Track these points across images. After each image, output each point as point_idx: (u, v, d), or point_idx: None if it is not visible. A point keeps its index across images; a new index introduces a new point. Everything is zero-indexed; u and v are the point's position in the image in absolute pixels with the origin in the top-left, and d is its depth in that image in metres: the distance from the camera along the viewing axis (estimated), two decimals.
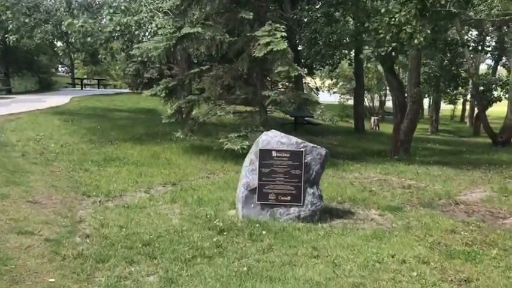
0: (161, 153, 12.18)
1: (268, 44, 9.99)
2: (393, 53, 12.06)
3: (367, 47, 15.89)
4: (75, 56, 20.10)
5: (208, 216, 6.78)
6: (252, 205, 6.76)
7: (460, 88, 29.37)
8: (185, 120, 12.20)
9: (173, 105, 11.60)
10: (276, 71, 10.34)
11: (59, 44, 18.75)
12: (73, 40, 14.34)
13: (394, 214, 7.42)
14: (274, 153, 6.72)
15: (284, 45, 9.92)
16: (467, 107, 45.29)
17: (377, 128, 31.16)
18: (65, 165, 10.15)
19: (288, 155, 6.71)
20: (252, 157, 6.85)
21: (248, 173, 6.80)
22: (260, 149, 6.76)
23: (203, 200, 7.65)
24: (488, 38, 32.05)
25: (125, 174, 9.62)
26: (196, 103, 11.40)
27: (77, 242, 5.71)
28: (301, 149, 6.76)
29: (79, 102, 23.86)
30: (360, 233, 6.36)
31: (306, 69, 21.05)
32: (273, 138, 6.83)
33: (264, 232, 6.17)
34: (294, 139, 6.87)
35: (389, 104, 56.77)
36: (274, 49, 9.77)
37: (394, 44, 11.64)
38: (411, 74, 14.25)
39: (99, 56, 17.96)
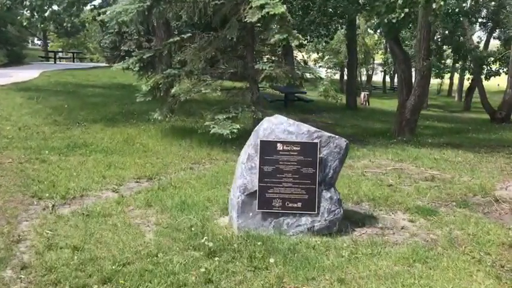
0: (136, 137, 10.44)
1: (262, 6, 8.23)
2: (404, 21, 10.36)
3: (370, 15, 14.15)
4: (43, 26, 17.88)
5: (193, 228, 5.15)
6: (251, 214, 5.14)
7: (460, 61, 27.82)
8: (164, 99, 10.45)
9: (149, 81, 9.82)
10: (271, 40, 8.58)
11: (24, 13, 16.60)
12: (28, 3, 12.30)
13: (428, 219, 5.90)
14: (279, 146, 5.08)
15: (282, 8, 8.18)
16: (455, 81, 44.21)
17: (367, 104, 29.79)
18: (17, 155, 8.37)
19: (298, 148, 5.07)
20: (250, 151, 5.19)
21: (245, 172, 5.16)
22: (261, 141, 5.10)
23: (186, 203, 6.00)
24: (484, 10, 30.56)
25: (91, 166, 7.90)
26: (176, 78, 9.64)
27: (5, 279, 4.03)
28: (315, 140, 5.12)
29: (49, 77, 21.80)
30: (395, 252, 4.82)
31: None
32: (277, 126, 5.17)
33: (268, 254, 4.58)
34: (304, 127, 5.22)
35: (376, 78, 55.63)
36: (271, 12, 8.02)
37: (406, 10, 9.96)
38: (420, 45, 12.63)
39: (64, 25, 15.81)
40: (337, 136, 5.25)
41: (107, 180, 7.18)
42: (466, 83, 35.38)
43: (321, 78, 9.76)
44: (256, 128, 5.28)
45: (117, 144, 9.72)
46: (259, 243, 4.78)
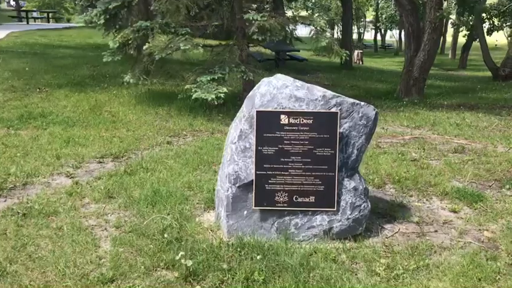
0: (105, 104, 8.87)
1: None
2: None
3: None
4: None
5: (166, 235, 3.73)
6: (245, 212, 3.72)
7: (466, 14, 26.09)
8: (137, 58, 8.83)
9: (117, 36, 8.18)
10: None
11: None
12: None
13: (473, 207, 4.56)
14: (284, 119, 3.61)
15: None
16: (448, 38, 42.58)
17: (361, 63, 28.31)
18: None
19: (310, 120, 3.61)
20: (242, 126, 3.71)
21: (237, 156, 3.70)
22: (258, 112, 3.62)
23: (159, 194, 4.55)
24: None
25: (45, 143, 6.38)
26: (149, 33, 8.00)
27: None
28: (334, 109, 3.66)
29: (17, 38, 19.81)
30: (446, 263, 3.46)
31: None
32: (280, 91, 3.68)
33: (273, 274, 3.20)
34: (318, 90, 3.74)
35: (367, 36, 53.76)
36: None
37: None
38: None
39: None
40: (362, 103, 3.78)
41: (61, 161, 5.68)
42: (461, 40, 33.84)
43: (323, 30, 8.18)
44: (250, 94, 3.79)
45: (82, 113, 8.16)
46: (258, 256, 3.38)
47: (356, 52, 29.41)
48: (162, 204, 4.34)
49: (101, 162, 5.75)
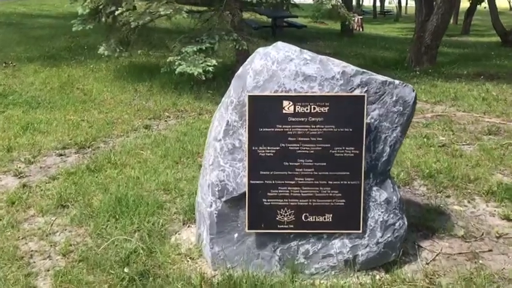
0: (78, 80, 7.75)
1: None
2: None
3: None
4: None
5: (127, 268, 2.70)
6: (236, 236, 2.69)
7: None
8: (111, 27, 7.64)
9: (86, 1, 6.97)
10: None
11: None
12: None
13: None
14: (288, 106, 2.54)
15: None
16: None
17: (361, 29, 26.98)
18: None
19: (325, 108, 2.54)
20: (229, 116, 2.63)
21: (222, 158, 2.63)
22: (251, 97, 2.54)
23: (126, 200, 3.51)
24: None
25: None
26: None
27: None
28: (357, 91, 2.58)
29: None
30: None
31: None
32: (282, 66, 2.58)
33: None
34: (335, 65, 2.65)
35: (365, 2, 51.93)
36: None
37: None
38: None
39: None
40: (396, 81, 2.70)
41: (12, 155, 4.63)
42: (463, 5, 32.36)
43: None
44: (240, 71, 2.69)
45: (49, 91, 7.05)
46: None
47: (356, 18, 27.99)
48: (128, 217, 3.31)
49: (61, 155, 4.69)
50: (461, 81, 8.70)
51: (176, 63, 6.58)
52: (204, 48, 6.69)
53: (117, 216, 3.33)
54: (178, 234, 3.19)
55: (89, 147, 4.90)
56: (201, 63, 6.46)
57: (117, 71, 8.40)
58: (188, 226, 3.28)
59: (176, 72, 6.58)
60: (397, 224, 2.73)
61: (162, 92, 7.04)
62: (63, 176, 4.07)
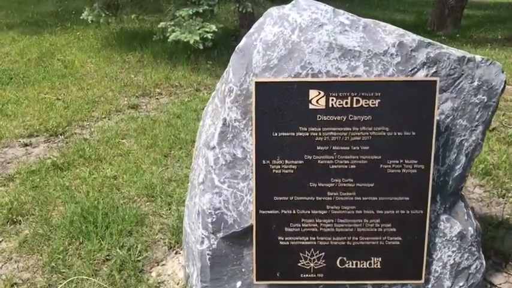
0: (60, 50, 6.82)
1: None
2: None
3: None
4: None
5: None
6: (239, 285, 1.84)
7: None
8: None
9: None
10: None
11: None
12: None
13: None
14: (317, 98, 1.63)
15: None
16: None
17: None
18: None
19: (376, 101, 1.63)
20: (226, 112, 1.74)
21: (217, 175, 1.76)
22: (260, 84, 1.63)
23: (95, 212, 2.66)
24: None
25: None
26: None
27: None
28: (425, 73, 1.67)
29: None
30: None
31: None
32: (307, 35, 1.67)
33: None
34: (385, 31, 1.73)
35: None
36: None
37: None
38: None
39: None
40: (478, 57, 1.78)
41: None
42: None
43: None
44: (242, 43, 1.77)
45: (26, 64, 6.14)
46: None
47: None
48: (96, 239, 2.47)
49: (26, 145, 3.83)
50: (494, 47, 7.70)
51: (169, 29, 5.63)
52: (201, 11, 5.71)
53: (81, 239, 2.49)
54: (162, 265, 2.36)
55: (61, 135, 4.03)
56: (198, 29, 5.50)
57: (105, 39, 7.44)
58: (176, 252, 2.45)
59: (169, 40, 5.63)
60: (473, 267, 1.88)
61: (154, 63, 6.10)
62: (22, 177, 3.23)
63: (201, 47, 5.56)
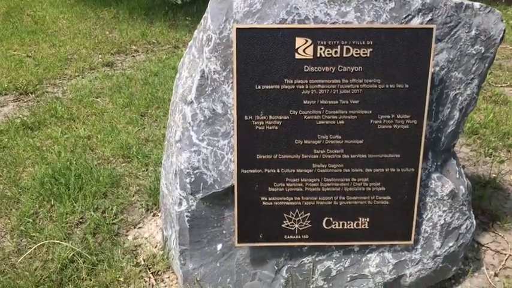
0: (30, 4, 6.46)
1: None
2: None
3: None
4: None
5: None
6: (219, 247, 1.75)
7: None
8: None
9: None
10: None
11: None
12: None
13: None
14: (304, 47, 1.50)
15: None
16: None
17: None
18: None
19: (367, 50, 1.51)
20: (205, 64, 1.59)
21: (195, 131, 1.63)
22: (241, 30, 1.48)
23: (68, 173, 2.52)
24: None
25: None
26: None
27: None
28: (420, 21, 1.54)
29: None
30: None
31: None
32: None
33: None
34: None
35: None
36: None
37: None
38: None
39: None
40: (476, 4, 1.65)
41: None
42: None
43: None
44: None
45: None
46: None
47: None
48: (68, 202, 2.34)
49: None
50: None
51: None
52: None
53: (52, 201, 2.36)
54: (139, 228, 2.25)
55: (31, 93, 3.83)
56: None
57: None
58: (153, 215, 2.34)
59: None
60: (464, 227, 1.81)
61: (129, 19, 5.81)
62: None
63: (179, 1, 5.31)
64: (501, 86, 4.02)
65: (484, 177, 2.67)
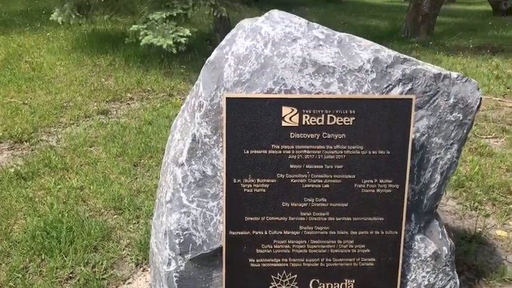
0: (29, 51, 6.61)
1: None
2: None
3: None
4: None
5: None
6: None
7: None
8: None
9: None
10: None
11: None
12: None
13: None
14: (290, 115, 1.58)
15: None
16: None
17: None
18: None
19: (350, 119, 1.59)
20: (196, 128, 1.66)
21: (186, 193, 1.68)
22: (231, 100, 1.57)
23: (59, 227, 2.54)
24: None
25: None
26: None
27: None
28: (400, 91, 1.63)
29: None
30: None
31: None
32: (280, 49, 1.61)
33: None
34: (361, 48, 1.69)
35: None
36: None
37: None
38: None
39: None
40: (454, 74, 1.75)
41: None
42: None
43: None
44: (213, 56, 1.69)
45: None
46: None
47: None
48: (59, 256, 2.35)
49: None
50: (466, 55, 7.82)
51: (142, 33, 5.51)
52: (175, 14, 5.61)
53: (43, 255, 2.37)
54: (128, 283, 2.26)
55: (26, 141, 3.88)
56: (172, 33, 5.40)
57: (76, 40, 7.24)
58: (143, 270, 2.35)
59: (142, 44, 5.51)
60: (447, 287, 1.85)
61: (125, 67, 5.95)
62: None
63: (174, 51, 5.46)
64: (486, 138, 4.12)
65: (469, 231, 2.72)
